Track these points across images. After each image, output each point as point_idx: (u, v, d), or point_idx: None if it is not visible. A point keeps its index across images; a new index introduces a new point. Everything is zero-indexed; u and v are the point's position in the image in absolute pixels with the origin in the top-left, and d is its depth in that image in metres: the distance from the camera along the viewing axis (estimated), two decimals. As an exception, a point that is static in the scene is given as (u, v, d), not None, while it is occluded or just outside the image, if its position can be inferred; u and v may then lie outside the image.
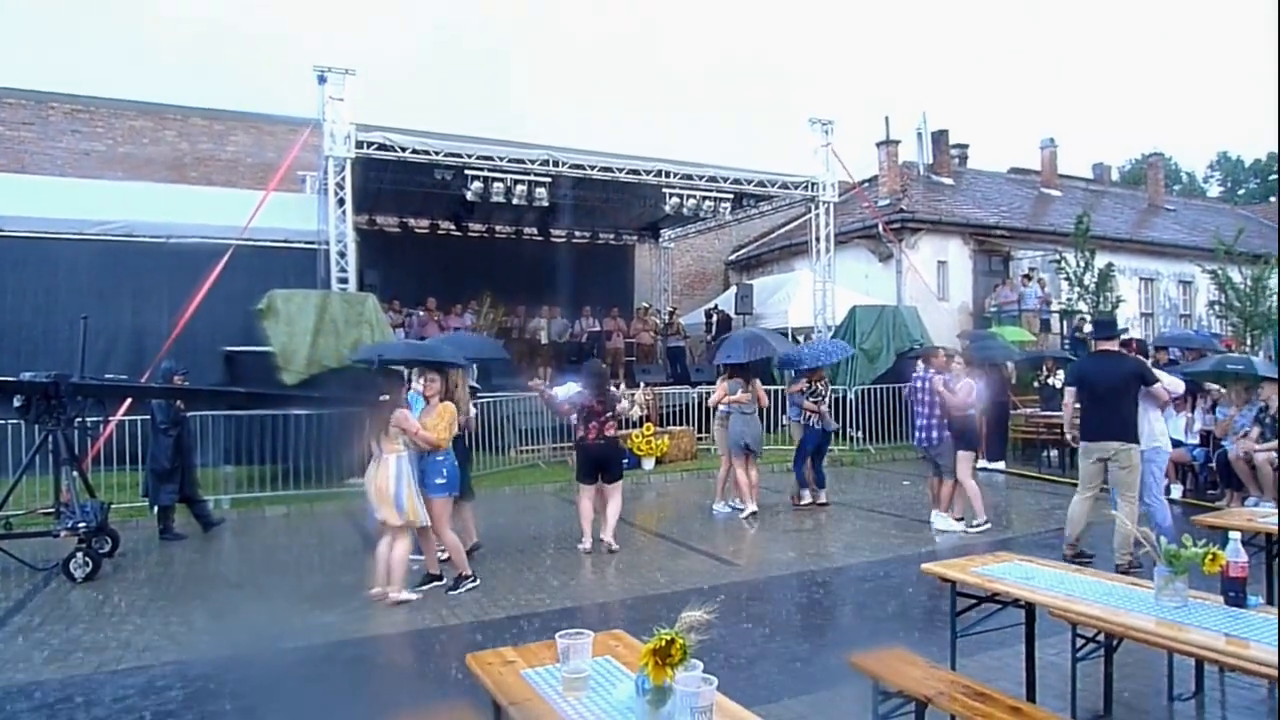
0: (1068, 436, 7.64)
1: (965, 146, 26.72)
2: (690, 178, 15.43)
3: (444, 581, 6.71)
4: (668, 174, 15.22)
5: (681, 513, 10.27)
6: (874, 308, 16.22)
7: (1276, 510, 5.49)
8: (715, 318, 18.92)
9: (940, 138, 23.86)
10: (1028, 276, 19.65)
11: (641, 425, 12.82)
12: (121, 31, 46.15)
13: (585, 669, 2.61)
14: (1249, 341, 18.74)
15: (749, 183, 16.09)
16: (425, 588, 6.63)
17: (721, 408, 9.95)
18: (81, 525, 7.29)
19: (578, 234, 21.24)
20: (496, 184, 13.78)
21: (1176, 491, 10.24)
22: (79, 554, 7.20)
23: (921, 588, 6.44)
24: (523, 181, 13.97)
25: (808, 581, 7.03)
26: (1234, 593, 3.34)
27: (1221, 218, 27.88)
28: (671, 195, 15.24)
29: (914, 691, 3.38)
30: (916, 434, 8.97)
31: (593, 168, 14.52)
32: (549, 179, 14.19)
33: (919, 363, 9.55)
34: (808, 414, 10.05)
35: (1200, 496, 10.09)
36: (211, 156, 20.21)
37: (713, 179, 15.64)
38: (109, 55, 42.81)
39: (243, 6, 57.74)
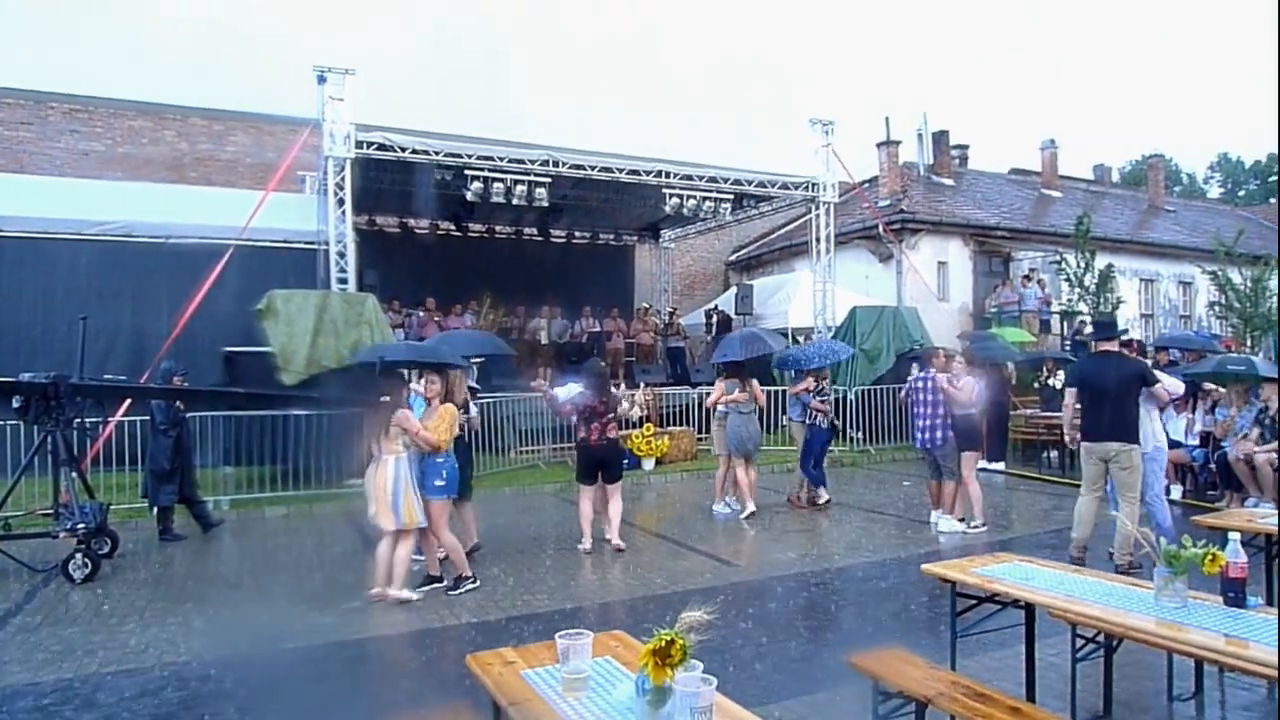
0: (1066, 438, 7.63)
1: (966, 147, 26.72)
2: (690, 178, 15.43)
3: (444, 583, 6.71)
4: (668, 174, 15.21)
5: (681, 513, 10.27)
6: (874, 308, 16.22)
7: (1276, 511, 5.49)
8: (715, 318, 18.92)
9: (941, 138, 23.87)
10: (1028, 277, 19.65)
11: (641, 426, 12.82)
12: (121, 31, 46.17)
13: (585, 669, 2.61)
14: (1249, 343, 18.75)
15: (749, 183, 16.09)
16: (425, 589, 6.63)
17: (720, 408, 9.94)
18: (81, 526, 7.28)
19: (578, 234, 21.24)
20: (496, 184, 13.77)
21: (1176, 492, 10.23)
22: (78, 555, 7.19)
23: (922, 588, 6.44)
24: (522, 182, 13.97)
25: (808, 582, 7.03)
26: (1233, 593, 3.34)
27: (1221, 219, 27.89)
28: (671, 195, 15.24)
29: (914, 692, 3.38)
30: (919, 435, 8.86)
31: (593, 168, 14.52)
32: (549, 179, 14.19)
33: (914, 366, 9.56)
34: (814, 413, 10.06)
35: (1200, 497, 10.09)
36: (211, 156, 20.21)
37: (713, 179, 15.64)
38: (109, 55, 42.83)
39: (243, 6, 57.78)
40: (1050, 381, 13.47)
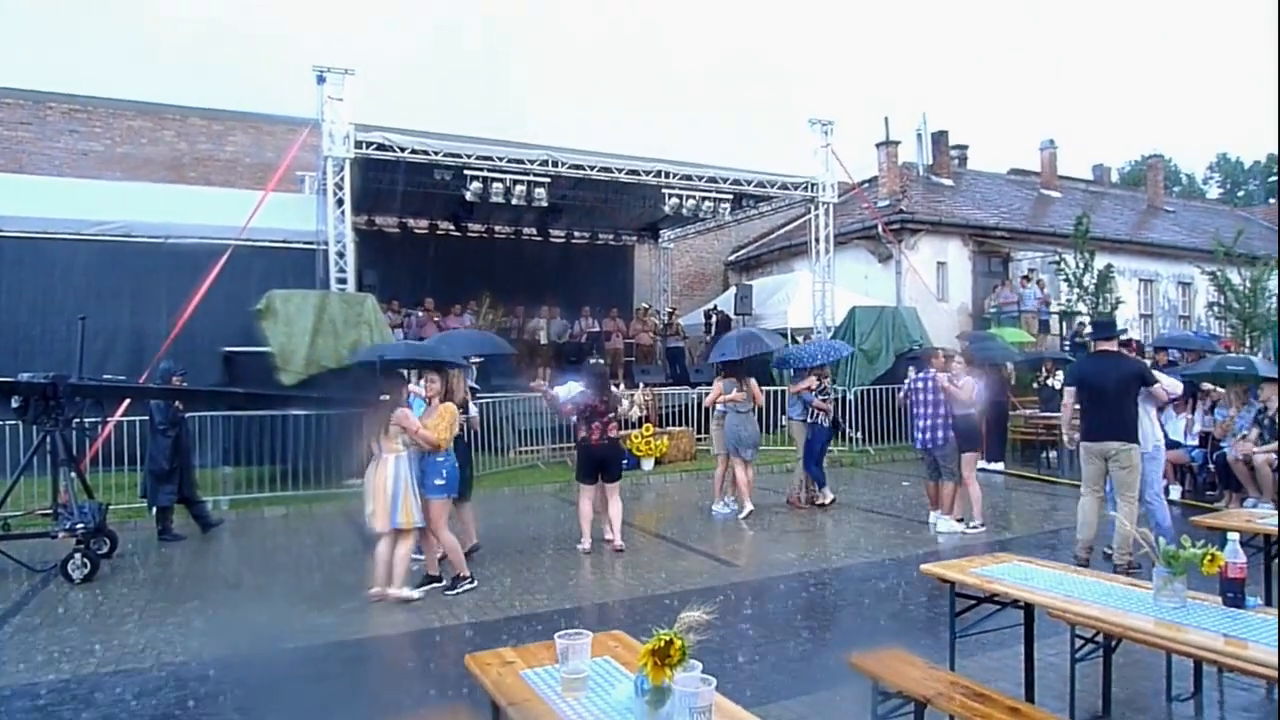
0: (1064, 437, 7.63)
1: (965, 147, 26.73)
2: (690, 178, 15.43)
3: (443, 583, 6.71)
4: (667, 174, 15.21)
5: (681, 513, 10.27)
6: (873, 308, 16.23)
7: (1275, 511, 5.50)
8: (715, 318, 18.92)
9: (940, 139, 23.88)
10: (1027, 278, 19.66)
11: (641, 426, 12.82)
12: (121, 31, 46.17)
13: (584, 669, 2.61)
14: (1248, 343, 18.76)
15: (748, 183, 16.09)
16: (424, 589, 6.62)
17: (718, 407, 9.94)
18: (80, 526, 7.28)
19: (577, 234, 21.23)
20: (495, 184, 13.77)
21: (1175, 493, 10.24)
22: (77, 555, 7.19)
23: (921, 588, 6.45)
24: (522, 182, 13.96)
25: (807, 582, 7.03)
26: (1232, 593, 3.34)
27: (1221, 219, 27.91)
28: (671, 196, 15.24)
29: (913, 692, 3.38)
30: (920, 435, 8.81)
31: (592, 168, 14.51)
32: (548, 179, 14.19)
33: (910, 369, 9.55)
34: (817, 412, 10.07)
35: (1199, 498, 10.09)
36: (210, 156, 20.21)
37: (712, 179, 15.64)
38: (109, 55, 42.83)
39: (243, 6, 57.79)
40: (1049, 382, 13.46)
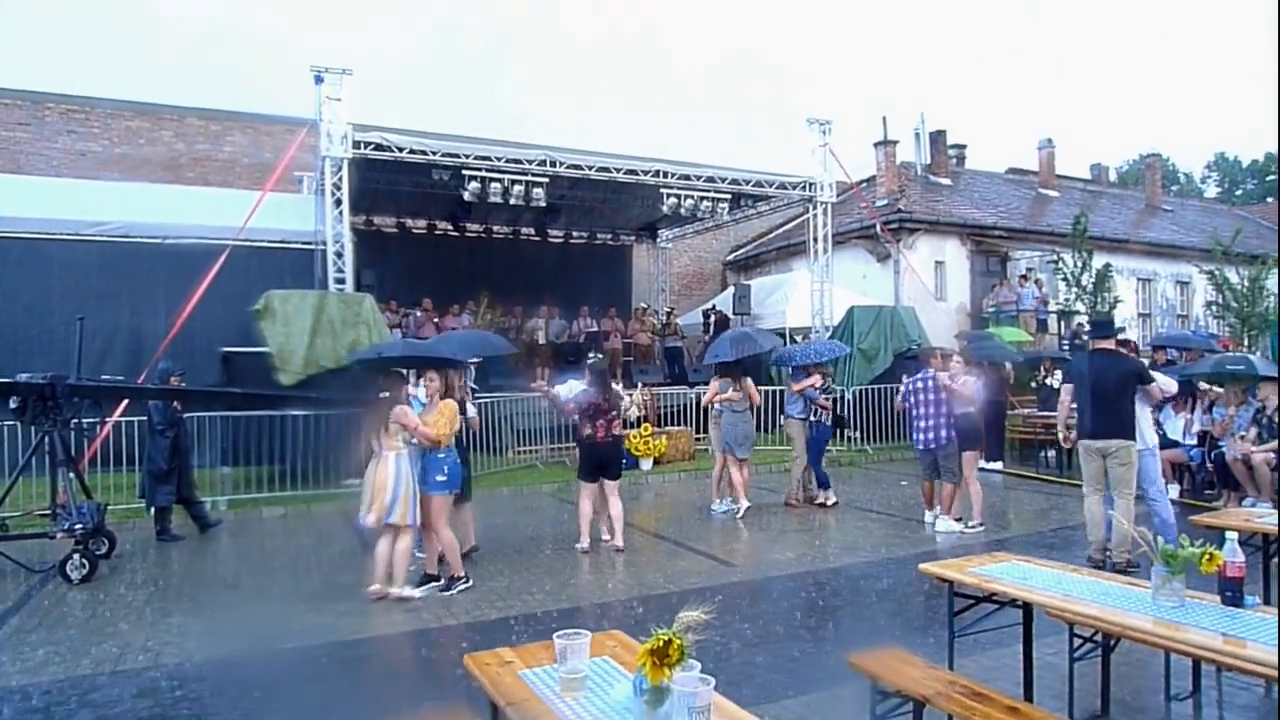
0: (1059, 434, 7.64)
1: (963, 147, 26.76)
2: (688, 178, 15.41)
3: (440, 582, 6.70)
4: (665, 174, 15.20)
5: (679, 513, 10.27)
6: (872, 308, 16.23)
7: (1274, 511, 5.50)
8: (713, 318, 18.91)
9: (938, 138, 23.89)
10: (1025, 277, 19.67)
11: (639, 425, 12.82)
12: (121, 31, 46.15)
13: (583, 669, 2.61)
14: (1246, 342, 18.78)
15: (747, 183, 16.08)
16: (423, 588, 6.62)
17: (715, 406, 9.96)
18: (78, 527, 7.27)
19: (575, 234, 21.22)
20: (494, 184, 13.75)
21: (1174, 492, 10.23)
22: (76, 555, 7.18)
23: (919, 588, 6.45)
24: (520, 182, 13.95)
25: (806, 581, 7.03)
26: (1231, 592, 3.35)
27: (1219, 218, 27.94)
28: (669, 195, 15.22)
29: (912, 691, 3.38)
30: (922, 435, 8.74)
31: (590, 168, 14.51)
32: (546, 179, 14.17)
33: (904, 377, 9.55)
34: (819, 410, 10.10)
35: (1197, 497, 10.10)
36: (208, 157, 20.19)
37: (710, 179, 15.63)
38: (109, 55, 42.81)
39: (243, 6, 57.76)
40: (1048, 381, 13.47)
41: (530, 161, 14.01)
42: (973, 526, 8.61)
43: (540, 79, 70.86)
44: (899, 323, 15.88)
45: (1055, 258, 19.41)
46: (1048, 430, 12.22)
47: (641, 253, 22.93)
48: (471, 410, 8.14)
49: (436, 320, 16.39)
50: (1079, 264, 18.73)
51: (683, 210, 15.64)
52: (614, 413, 7.98)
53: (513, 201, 14.05)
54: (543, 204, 14.56)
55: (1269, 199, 39.53)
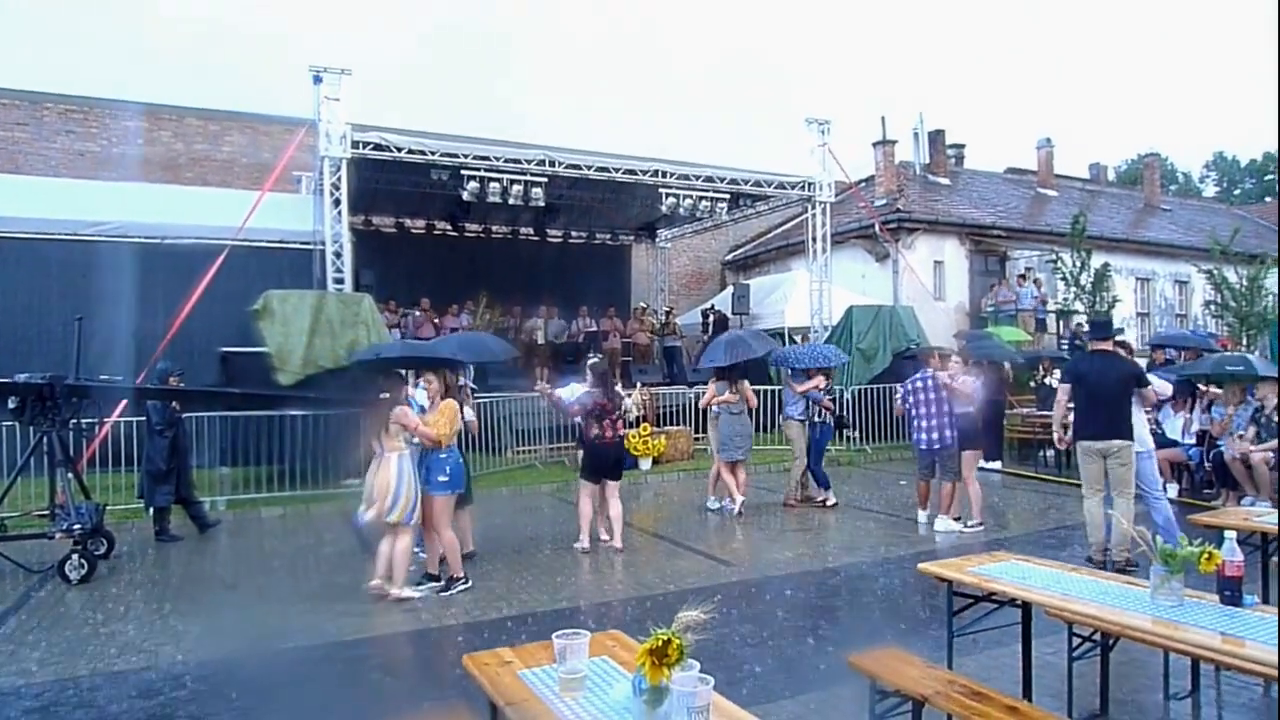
0: (1055, 435, 7.63)
1: (962, 146, 26.77)
2: (687, 178, 15.41)
3: (440, 582, 6.70)
4: (664, 174, 15.20)
5: (678, 513, 10.27)
6: (870, 308, 16.23)
7: (1273, 510, 5.50)
8: (712, 318, 18.91)
9: (937, 138, 23.90)
10: (1024, 276, 19.68)
11: (638, 425, 12.82)
12: (121, 31, 46.13)
13: (582, 669, 2.61)
14: (1245, 341, 18.80)
15: (745, 183, 16.09)
16: (423, 588, 6.62)
17: (712, 408, 9.99)
18: (77, 527, 7.26)
19: (574, 234, 21.22)
20: (493, 184, 13.75)
21: (1173, 491, 10.24)
22: (74, 556, 7.18)
23: (918, 587, 6.45)
24: (519, 181, 13.94)
25: (805, 581, 7.03)
26: (1230, 592, 3.35)
27: (1217, 218, 27.96)
28: (668, 195, 15.22)
29: (911, 691, 3.38)
30: (924, 435, 8.68)
31: (589, 168, 14.50)
32: (545, 179, 14.17)
33: (898, 388, 9.55)
34: (822, 411, 10.14)
35: (1196, 496, 10.11)
36: (207, 157, 20.18)
37: (709, 179, 15.63)
38: (108, 55, 42.79)
39: (242, 6, 57.75)
40: (1047, 380, 13.47)
41: (529, 161, 14.00)
42: (972, 526, 8.61)
43: (540, 79, 70.90)
44: (898, 322, 15.88)
45: (1054, 257, 19.43)
46: (1046, 430, 12.21)
47: (640, 252, 22.92)
48: (470, 413, 8.12)
49: (435, 320, 16.39)
50: (1078, 263, 18.75)
51: (681, 210, 15.64)
52: (618, 413, 7.99)
53: (511, 201, 14.05)
54: (541, 204, 14.55)
55: (1268, 198, 39.57)
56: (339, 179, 12.60)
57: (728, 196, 16.30)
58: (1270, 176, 47.00)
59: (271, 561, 8.31)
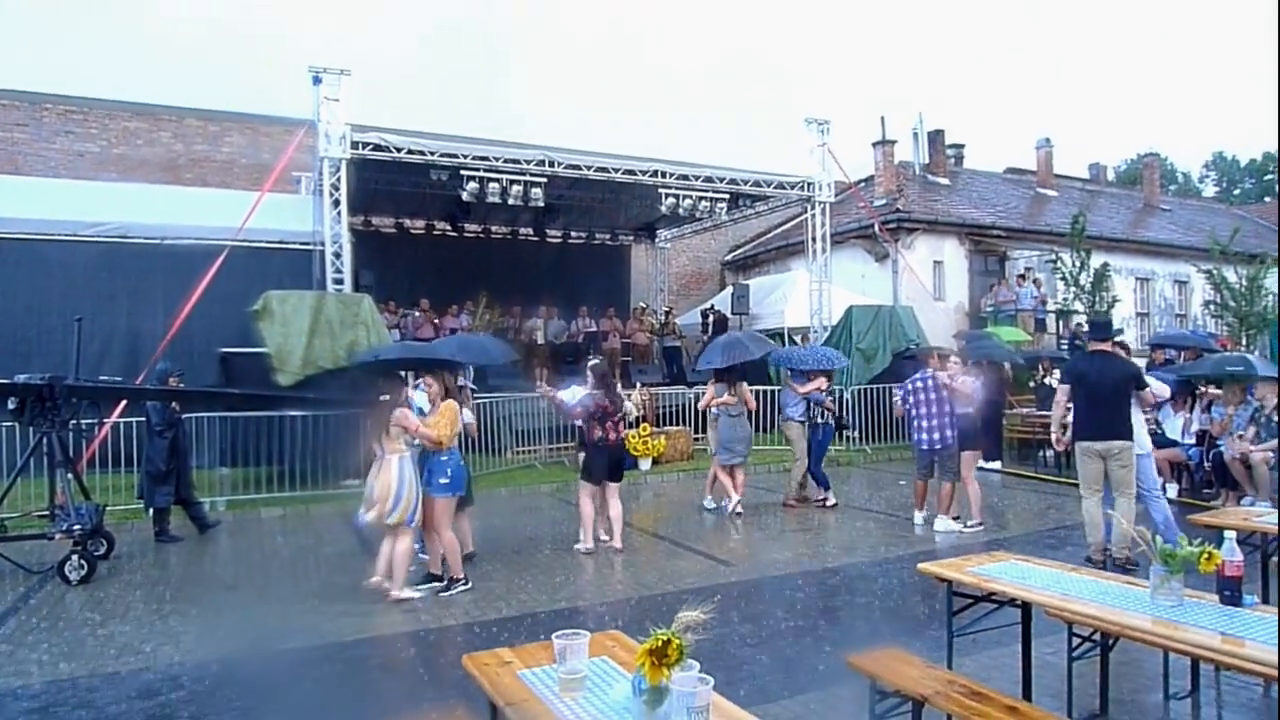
0: (1053, 435, 7.62)
1: (961, 146, 26.77)
2: (686, 178, 15.41)
3: (443, 582, 6.70)
4: (664, 174, 15.19)
5: (678, 513, 10.27)
6: (870, 308, 16.23)
7: (1272, 510, 5.50)
8: (711, 318, 18.92)
9: (936, 138, 23.90)
10: (1023, 276, 19.68)
11: (638, 426, 12.82)
12: (121, 31, 46.13)
13: (582, 669, 2.61)
14: (1244, 341, 18.80)
15: (745, 183, 16.08)
16: (424, 587, 6.63)
17: (711, 410, 10.00)
18: (76, 528, 7.26)
19: (574, 234, 21.22)
20: (492, 184, 13.74)
21: (1172, 491, 10.25)
22: (74, 556, 7.17)
23: (918, 588, 6.45)
24: (518, 182, 13.93)
25: (804, 581, 7.02)
26: (1230, 592, 3.35)
27: (1217, 218, 27.96)
28: (667, 195, 15.21)
29: (911, 691, 3.38)
30: (925, 435, 8.66)
31: (588, 168, 14.50)
32: (544, 179, 14.16)
33: (897, 393, 9.57)
34: (825, 412, 10.19)
35: (1196, 496, 10.10)
36: (206, 158, 20.18)
37: (709, 179, 15.63)
38: (108, 55, 42.79)
39: (242, 6, 57.75)
40: (1047, 380, 13.47)
41: (528, 161, 14.00)
42: (971, 526, 8.61)
43: (540, 79, 70.90)
44: (897, 322, 15.88)
45: (1053, 257, 19.43)
46: (1046, 430, 12.20)
47: (640, 253, 22.92)
48: (469, 415, 8.11)
49: (435, 321, 16.39)
50: (1077, 263, 18.75)
51: (681, 210, 15.63)
52: (620, 414, 7.99)
53: (511, 202, 14.04)
54: (541, 204, 14.55)
55: (1267, 198, 39.59)
56: (338, 179, 12.60)
57: (727, 196, 16.29)
58: (1270, 176, 47.02)
59: (271, 562, 8.31)
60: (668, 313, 20.06)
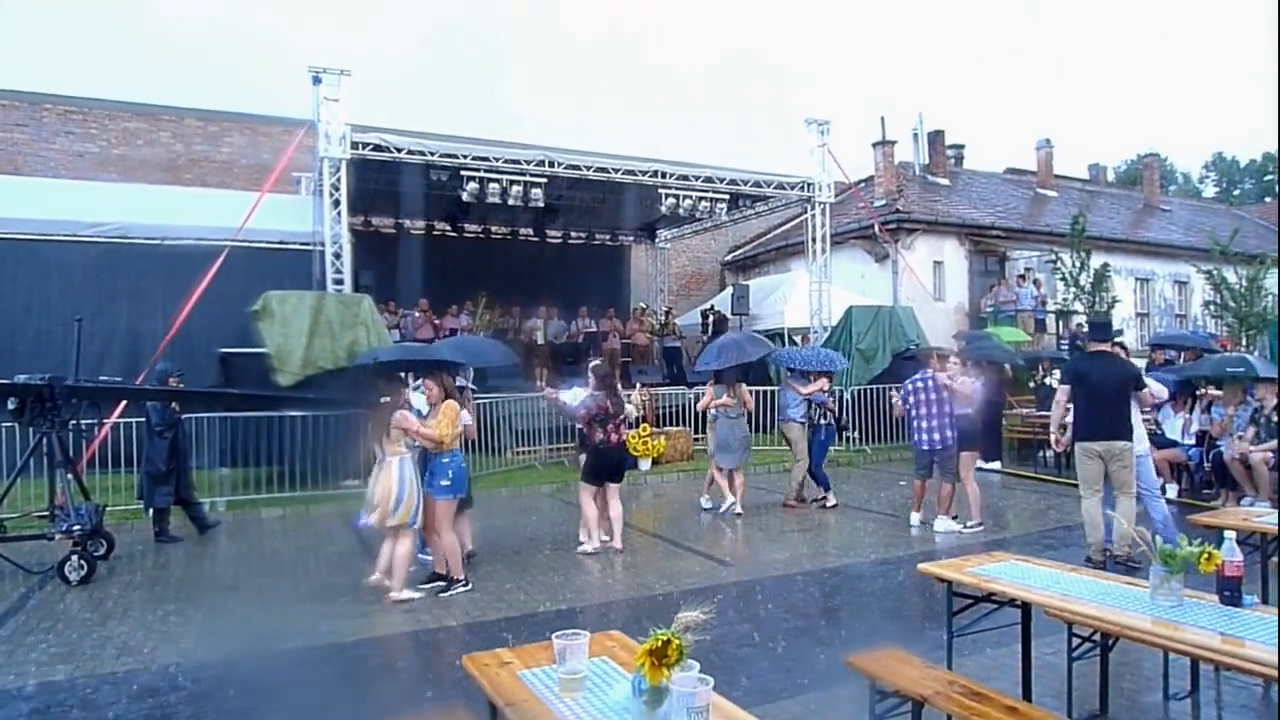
0: (1053, 436, 7.62)
1: (961, 147, 26.76)
2: (686, 178, 15.41)
3: (444, 582, 6.70)
4: (664, 174, 15.20)
5: (678, 513, 10.27)
6: (870, 308, 16.23)
7: (1272, 510, 5.50)
8: (711, 318, 18.91)
9: (936, 138, 23.89)
10: (1023, 277, 19.68)
11: (638, 426, 12.82)
12: (121, 31, 46.13)
13: (582, 670, 2.61)
14: (1244, 341, 18.80)
15: (745, 183, 16.09)
16: (430, 585, 6.65)
17: (710, 411, 10.00)
18: (76, 528, 7.26)
19: (574, 234, 21.22)
20: (492, 185, 13.74)
21: (1172, 491, 10.26)
22: (74, 557, 7.17)
23: (918, 588, 6.45)
24: (518, 182, 13.93)
25: (804, 582, 7.03)
26: (1229, 592, 3.35)
27: (1217, 218, 27.96)
28: (667, 196, 15.22)
29: (911, 691, 3.38)
30: (925, 435, 8.65)
31: (588, 168, 14.50)
32: (544, 179, 14.17)
33: (894, 394, 9.58)
34: (827, 413, 10.23)
35: (1196, 496, 10.11)
36: (206, 158, 20.17)
37: (708, 179, 15.63)
38: (108, 55, 42.79)
39: (242, 6, 57.74)
40: (1047, 380, 13.47)
41: (528, 162, 14.00)
42: (971, 526, 8.61)
43: (540, 79, 70.92)
44: (897, 323, 15.87)
45: (1053, 257, 19.43)
46: (1046, 430, 12.21)
47: (640, 253, 22.92)
48: (468, 417, 8.11)
49: (435, 321, 16.38)
50: (1077, 264, 18.75)
51: (681, 210, 15.64)
52: (620, 416, 7.99)
53: (511, 202, 14.04)
54: (541, 204, 14.55)
55: (1267, 199, 39.60)
56: (338, 180, 12.60)
57: (727, 197, 16.30)
58: (1270, 177, 47.05)
59: (271, 563, 8.30)
60: (668, 313, 20.06)
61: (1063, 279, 18.92)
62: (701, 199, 15.63)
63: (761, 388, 13.34)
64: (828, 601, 6.58)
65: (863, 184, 21.85)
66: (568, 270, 20.23)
